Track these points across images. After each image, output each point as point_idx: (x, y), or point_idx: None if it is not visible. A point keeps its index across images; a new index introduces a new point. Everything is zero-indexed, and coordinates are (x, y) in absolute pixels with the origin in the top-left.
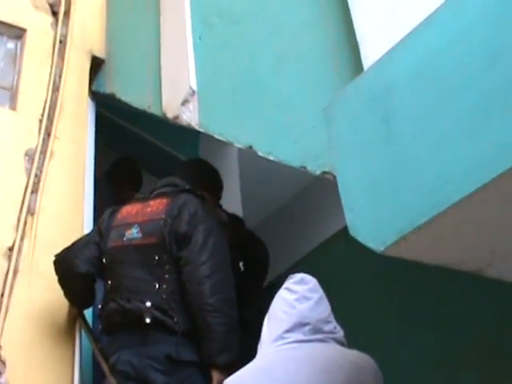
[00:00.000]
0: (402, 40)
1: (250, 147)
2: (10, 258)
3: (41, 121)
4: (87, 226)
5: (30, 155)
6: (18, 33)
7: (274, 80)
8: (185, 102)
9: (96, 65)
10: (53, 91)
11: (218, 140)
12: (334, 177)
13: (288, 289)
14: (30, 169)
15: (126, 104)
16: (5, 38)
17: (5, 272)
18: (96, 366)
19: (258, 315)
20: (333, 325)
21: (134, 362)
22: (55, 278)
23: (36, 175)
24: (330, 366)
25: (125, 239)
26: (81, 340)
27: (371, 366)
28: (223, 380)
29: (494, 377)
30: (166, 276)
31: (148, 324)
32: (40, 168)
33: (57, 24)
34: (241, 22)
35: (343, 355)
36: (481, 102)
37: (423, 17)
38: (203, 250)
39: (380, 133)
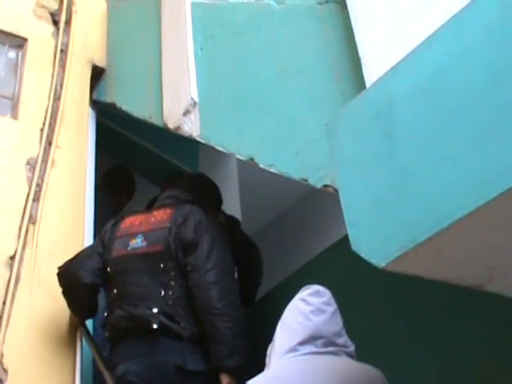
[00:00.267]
0: (404, 57)
1: (252, 159)
2: (11, 266)
3: (42, 130)
4: (88, 235)
5: (31, 164)
6: (19, 42)
7: (276, 92)
8: (186, 113)
9: (97, 74)
10: (54, 100)
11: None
12: (336, 190)
13: (303, 300)
14: (32, 178)
15: (126, 113)
16: (6, 47)
17: (6, 280)
18: (97, 374)
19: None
20: (344, 338)
21: (144, 373)
22: (57, 286)
23: (37, 184)
24: (345, 379)
25: (129, 248)
26: (82, 348)
27: (381, 379)
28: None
29: None
30: (172, 283)
31: (155, 330)
32: (41, 177)
33: (58, 33)
34: (242, 34)
35: (356, 368)
36: (483, 120)
37: (425, 31)
38: (210, 258)
39: (382, 149)
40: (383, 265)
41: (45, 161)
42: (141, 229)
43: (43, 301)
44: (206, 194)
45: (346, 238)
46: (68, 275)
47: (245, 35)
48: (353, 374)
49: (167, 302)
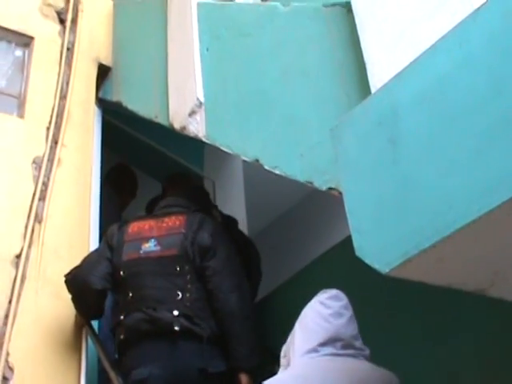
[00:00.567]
0: (409, 65)
1: (257, 160)
2: (17, 265)
3: (48, 128)
4: (94, 233)
5: (37, 163)
6: (25, 40)
7: (281, 94)
8: (192, 114)
9: (103, 72)
10: (60, 99)
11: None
12: (340, 193)
13: (322, 303)
14: (38, 176)
15: (132, 112)
16: (13, 45)
17: (12, 279)
18: (102, 372)
19: None
20: (360, 342)
21: (168, 377)
22: (62, 284)
23: (43, 183)
24: (363, 381)
25: (141, 252)
26: (87, 346)
27: (396, 382)
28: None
29: None
30: (188, 285)
31: (176, 332)
32: (47, 175)
33: (64, 32)
34: (248, 35)
35: (373, 371)
36: (486, 128)
37: (430, 37)
38: (229, 262)
39: (386, 155)
40: (387, 270)
41: (51, 159)
42: (152, 234)
43: (49, 299)
44: (206, 200)
45: (350, 238)
46: (78, 282)
47: (250, 36)
48: (370, 377)
49: (185, 304)
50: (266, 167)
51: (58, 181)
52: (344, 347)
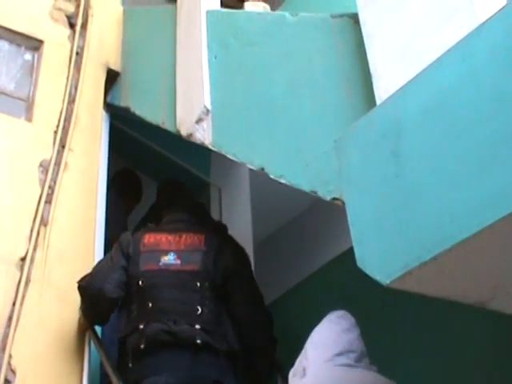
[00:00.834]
0: (413, 78)
1: (262, 169)
2: (22, 267)
3: (56, 132)
4: (99, 238)
5: (44, 166)
6: (35, 44)
7: (288, 103)
8: (199, 121)
9: (112, 77)
10: (68, 103)
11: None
12: (344, 203)
13: (332, 321)
14: (44, 180)
15: (140, 118)
16: (22, 49)
17: (17, 282)
18: (104, 377)
19: None
20: (368, 359)
21: None
22: (66, 288)
23: (50, 186)
24: None
25: (161, 264)
26: (90, 350)
27: None
28: None
29: None
30: (207, 302)
31: (198, 345)
32: (54, 179)
33: (74, 36)
34: (256, 44)
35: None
36: (488, 142)
37: (436, 49)
38: (252, 282)
39: (389, 168)
40: (387, 282)
41: (58, 163)
42: (171, 247)
43: (53, 303)
44: (207, 214)
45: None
46: (93, 289)
47: (258, 45)
48: None
49: (204, 319)
50: (272, 176)
51: (65, 185)
52: (357, 359)
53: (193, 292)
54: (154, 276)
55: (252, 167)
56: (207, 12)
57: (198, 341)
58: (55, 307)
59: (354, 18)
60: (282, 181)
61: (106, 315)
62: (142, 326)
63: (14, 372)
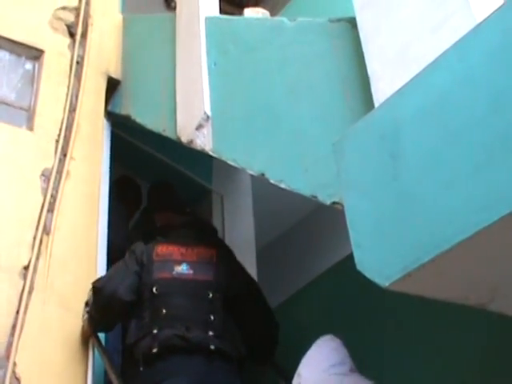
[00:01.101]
0: (410, 81)
1: (263, 174)
2: (25, 276)
3: (57, 141)
4: (102, 245)
5: (46, 175)
6: (35, 54)
7: (287, 108)
8: (199, 127)
9: (112, 86)
10: (69, 112)
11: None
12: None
13: (320, 345)
14: (46, 188)
15: (141, 125)
16: (23, 58)
17: (20, 290)
18: (108, 383)
19: None
20: None
21: None
22: (69, 295)
23: (52, 195)
24: None
25: (174, 273)
26: (94, 358)
27: None
28: None
29: None
30: (218, 310)
31: (212, 350)
32: (56, 188)
33: (74, 45)
34: (255, 50)
35: None
36: (485, 144)
37: (433, 52)
38: (260, 292)
39: (387, 170)
40: (386, 284)
41: (59, 172)
42: (184, 258)
43: (56, 310)
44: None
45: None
46: (107, 292)
47: (257, 51)
48: None
49: (216, 326)
50: (272, 181)
51: (67, 193)
52: (351, 371)
53: (205, 301)
54: (168, 284)
55: (252, 173)
56: (206, 19)
57: (212, 347)
58: (58, 315)
59: (352, 23)
60: (282, 185)
61: (115, 320)
62: (155, 331)
63: (18, 380)
